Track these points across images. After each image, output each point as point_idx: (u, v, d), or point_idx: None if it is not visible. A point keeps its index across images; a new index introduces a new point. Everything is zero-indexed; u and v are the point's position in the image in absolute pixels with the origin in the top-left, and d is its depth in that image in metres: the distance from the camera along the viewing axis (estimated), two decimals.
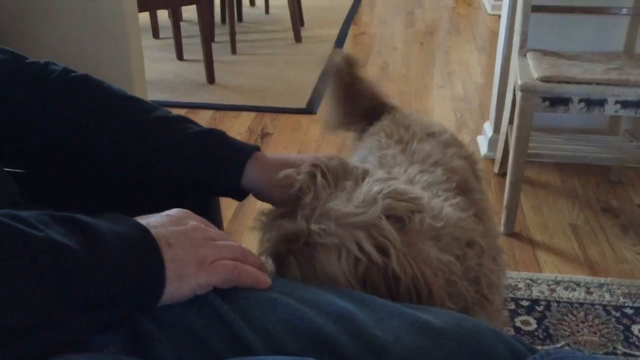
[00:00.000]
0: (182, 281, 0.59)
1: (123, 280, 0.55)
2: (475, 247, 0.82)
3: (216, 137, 0.84)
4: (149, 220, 0.61)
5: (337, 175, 0.76)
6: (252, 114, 2.77)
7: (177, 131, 0.82)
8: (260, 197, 0.84)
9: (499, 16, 4.06)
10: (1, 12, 2.39)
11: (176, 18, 3.37)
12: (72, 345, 0.53)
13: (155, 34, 3.75)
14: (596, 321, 1.57)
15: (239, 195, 0.85)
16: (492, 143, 2.38)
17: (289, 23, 3.75)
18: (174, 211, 0.65)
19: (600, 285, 1.69)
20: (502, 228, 1.92)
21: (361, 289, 0.70)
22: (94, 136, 0.81)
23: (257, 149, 0.85)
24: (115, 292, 0.54)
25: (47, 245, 0.51)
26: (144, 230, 0.59)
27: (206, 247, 0.62)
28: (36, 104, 0.81)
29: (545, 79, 1.78)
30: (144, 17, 3.39)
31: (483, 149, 2.43)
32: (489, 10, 4.48)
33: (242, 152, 0.83)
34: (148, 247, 0.58)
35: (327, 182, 0.74)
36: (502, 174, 2.21)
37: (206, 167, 0.82)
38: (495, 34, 3.90)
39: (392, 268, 0.69)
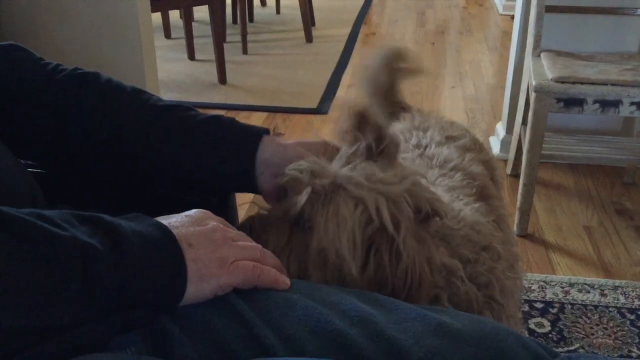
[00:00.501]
0: (203, 281, 0.59)
1: (145, 280, 0.55)
2: (491, 252, 0.82)
3: (226, 121, 0.84)
4: (170, 221, 0.62)
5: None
6: (264, 114, 2.78)
7: (186, 118, 0.82)
8: (272, 181, 0.82)
9: (511, 16, 4.06)
10: (16, 13, 2.41)
11: (188, 18, 3.38)
12: (95, 346, 0.53)
13: (167, 34, 3.77)
14: (611, 324, 1.56)
15: (253, 178, 0.82)
16: (505, 144, 2.36)
17: (300, 23, 3.75)
18: (193, 212, 0.65)
19: (615, 288, 1.68)
20: (515, 229, 1.91)
21: (362, 251, 0.71)
22: (119, 133, 0.81)
23: (267, 131, 0.85)
24: (138, 292, 0.55)
25: (72, 245, 0.51)
26: (166, 231, 0.59)
27: (226, 248, 0.63)
28: (49, 101, 0.81)
29: (560, 80, 1.77)
30: (156, 17, 3.40)
31: (495, 149, 2.42)
32: (501, 11, 4.46)
33: (256, 129, 0.84)
34: (170, 248, 0.58)
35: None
36: (515, 175, 2.20)
37: (220, 149, 0.82)
38: (507, 34, 3.89)
39: (398, 243, 0.70)
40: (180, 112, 0.83)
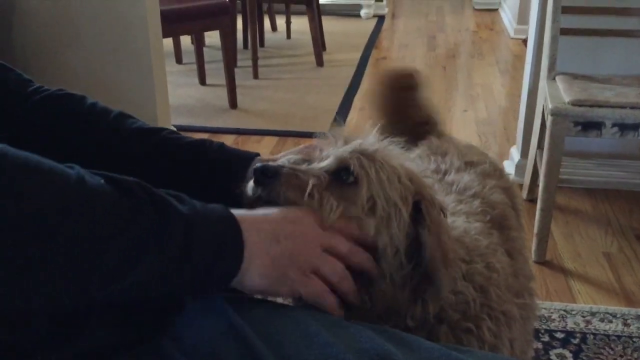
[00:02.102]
0: (279, 279, 0.61)
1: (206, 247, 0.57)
2: (485, 261, 0.81)
3: (214, 145, 0.83)
4: (264, 212, 0.64)
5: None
6: (275, 139, 2.76)
7: (172, 140, 0.81)
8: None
9: (522, 40, 4.05)
10: (30, 39, 2.42)
11: (199, 43, 3.40)
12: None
13: (179, 59, 3.78)
14: (635, 355, 1.50)
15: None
16: (520, 168, 2.33)
17: (310, 47, 3.75)
18: (292, 210, 0.65)
19: (638, 317, 1.62)
20: (532, 256, 1.86)
21: (411, 204, 0.70)
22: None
23: (257, 155, 0.83)
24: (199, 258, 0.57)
25: (181, 215, 0.56)
26: (229, 215, 0.61)
27: (312, 255, 0.63)
28: (24, 121, 0.80)
29: (577, 103, 1.73)
30: (167, 42, 3.42)
31: (510, 174, 2.38)
32: (512, 34, 4.46)
33: (246, 154, 0.82)
34: (227, 224, 0.60)
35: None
36: (531, 199, 2.16)
37: (208, 173, 0.80)
38: (518, 58, 3.88)
39: (441, 209, 0.72)
40: (166, 134, 0.81)
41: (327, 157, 0.71)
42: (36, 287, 0.49)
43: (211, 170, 0.79)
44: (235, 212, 0.62)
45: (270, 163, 0.69)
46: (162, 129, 0.82)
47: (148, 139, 0.80)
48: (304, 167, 0.70)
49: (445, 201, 0.79)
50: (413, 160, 1.02)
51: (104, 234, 0.52)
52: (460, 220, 0.86)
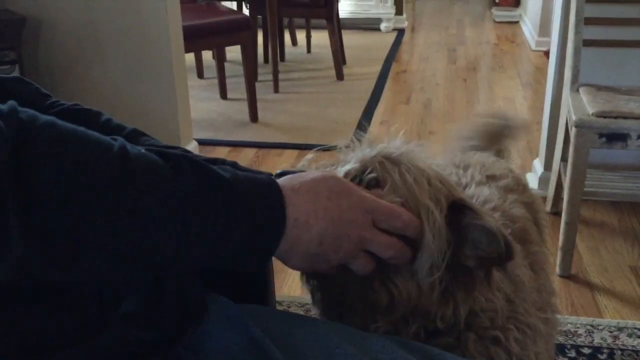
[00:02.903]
0: (324, 249, 0.61)
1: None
2: (512, 274, 0.79)
3: (227, 164, 0.81)
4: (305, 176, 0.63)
5: None
6: (295, 152, 2.76)
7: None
8: None
9: (544, 52, 4.02)
10: (55, 55, 2.47)
11: (220, 58, 3.43)
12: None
13: (200, 74, 3.82)
14: None
15: None
16: (543, 181, 2.30)
17: (330, 61, 3.77)
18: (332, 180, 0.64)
19: None
20: (557, 270, 1.84)
21: (445, 208, 0.68)
22: None
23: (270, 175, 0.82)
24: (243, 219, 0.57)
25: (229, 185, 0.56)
26: (272, 181, 0.61)
27: (364, 231, 0.62)
28: None
29: (602, 114, 1.71)
30: (189, 57, 3.46)
31: (533, 186, 2.35)
32: (533, 47, 4.43)
33: (258, 173, 0.82)
34: (271, 192, 0.60)
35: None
36: (555, 212, 2.13)
37: None
38: (540, 70, 3.85)
39: (479, 212, 0.69)
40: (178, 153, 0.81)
41: (349, 160, 0.70)
42: (91, 257, 0.51)
43: None
44: (284, 181, 0.62)
45: (290, 169, 0.69)
46: (174, 148, 0.82)
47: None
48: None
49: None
50: (439, 165, 1.01)
51: (148, 202, 0.52)
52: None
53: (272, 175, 0.66)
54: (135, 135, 0.82)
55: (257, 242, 0.57)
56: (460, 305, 0.68)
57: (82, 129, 0.53)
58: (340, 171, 0.69)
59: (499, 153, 1.32)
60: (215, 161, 0.81)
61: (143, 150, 0.55)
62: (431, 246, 0.65)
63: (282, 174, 0.67)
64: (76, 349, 0.54)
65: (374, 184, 0.67)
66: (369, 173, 0.68)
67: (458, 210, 0.68)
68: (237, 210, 0.56)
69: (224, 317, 0.60)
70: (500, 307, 0.72)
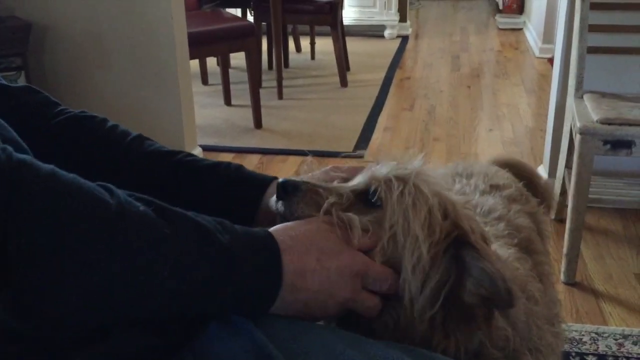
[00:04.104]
0: (314, 308, 0.62)
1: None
2: (526, 292, 0.77)
3: (232, 167, 0.82)
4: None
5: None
6: (299, 158, 2.76)
7: (190, 163, 0.81)
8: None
9: (548, 59, 4.02)
10: (61, 62, 2.48)
11: (225, 65, 3.44)
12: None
13: (205, 81, 3.83)
14: None
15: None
16: None
17: (334, 68, 3.77)
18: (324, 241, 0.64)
19: None
20: (562, 277, 1.83)
21: (439, 239, 0.65)
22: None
23: (275, 179, 0.82)
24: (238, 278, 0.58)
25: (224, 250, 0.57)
26: (271, 245, 0.61)
27: (351, 294, 0.63)
28: (46, 142, 0.80)
29: (606, 121, 1.71)
30: (194, 64, 3.47)
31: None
32: (537, 54, 4.43)
33: (262, 177, 0.81)
34: (267, 244, 0.61)
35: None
36: (560, 219, 2.12)
37: (223, 196, 0.79)
38: (544, 77, 3.85)
39: (479, 248, 0.66)
40: (182, 157, 0.81)
41: (360, 175, 0.70)
42: (76, 311, 0.52)
43: (226, 193, 0.79)
44: (278, 235, 0.62)
45: (293, 178, 0.68)
46: (179, 152, 0.82)
47: (164, 161, 0.80)
48: (330, 185, 0.69)
49: (487, 231, 0.74)
50: (455, 191, 1.00)
51: (144, 264, 0.53)
52: (494, 246, 0.81)
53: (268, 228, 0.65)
54: (140, 141, 0.82)
55: (248, 307, 0.60)
56: (461, 340, 0.65)
57: (80, 182, 0.54)
58: (346, 186, 0.68)
59: None
60: (219, 164, 0.82)
61: (142, 208, 0.55)
62: (409, 278, 0.64)
63: (285, 183, 0.67)
64: (80, 355, 0.54)
65: (379, 205, 0.66)
66: (374, 192, 0.66)
67: (462, 246, 0.65)
68: (233, 280, 0.57)
69: (229, 323, 0.60)
70: (511, 335, 0.70)
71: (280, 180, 0.68)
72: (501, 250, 0.83)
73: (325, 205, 0.65)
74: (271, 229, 0.63)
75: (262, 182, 0.80)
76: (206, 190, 0.80)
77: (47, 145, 0.79)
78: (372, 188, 0.67)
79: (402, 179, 0.66)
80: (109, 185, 0.56)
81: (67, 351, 0.55)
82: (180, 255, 0.55)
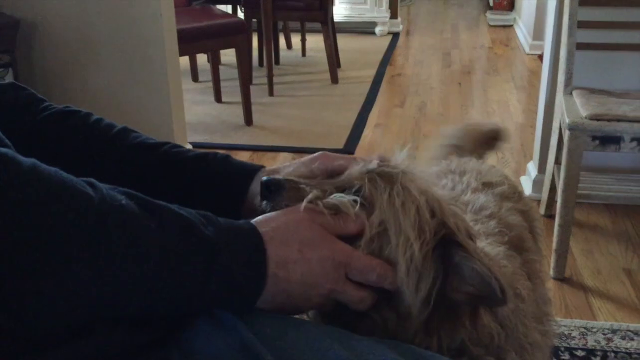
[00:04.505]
0: (298, 301, 0.62)
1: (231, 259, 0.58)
2: (513, 289, 0.76)
3: (219, 158, 0.81)
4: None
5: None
6: (290, 155, 2.76)
7: (175, 154, 0.80)
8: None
9: (538, 56, 4.03)
10: (50, 59, 2.46)
11: (215, 62, 3.43)
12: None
13: (195, 78, 3.82)
14: None
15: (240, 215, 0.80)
16: (537, 183, 2.30)
17: (325, 65, 3.77)
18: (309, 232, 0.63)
19: None
20: (551, 272, 1.84)
21: (429, 239, 0.65)
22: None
23: (261, 167, 0.81)
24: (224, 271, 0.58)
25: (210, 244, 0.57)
26: (255, 238, 0.61)
27: (335, 285, 0.63)
28: (33, 138, 0.80)
29: (595, 117, 1.72)
30: (184, 60, 3.46)
31: (527, 189, 2.36)
32: (527, 50, 4.44)
33: (250, 166, 0.80)
34: (250, 237, 0.60)
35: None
36: (549, 215, 2.14)
37: (209, 188, 0.79)
38: (534, 73, 3.86)
39: (467, 248, 0.66)
40: (167, 148, 0.80)
41: (345, 173, 0.69)
42: (52, 303, 0.51)
43: (212, 183, 0.79)
44: (261, 227, 0.62)
45: (276, 177, 0.68)
46: (165, 143, 0.81)
47: (150, 153, 0.80)
48: (314, 181, 0.68)
49: (473, 228, 0.73)
50: (442, 187, 1.00)
51: (128, 260, 0.53)
52: (482, 244, 0.81)
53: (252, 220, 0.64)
54: (125, 133, 0.81)
55: (234, 301, 0.59)
56: (444, 338, 0.65)
57: (62, 176, 0.53)
58: (330, 182, 0.67)
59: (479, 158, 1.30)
60: (206, 155, 0.81)
61: (124, 202, 0.54)
62: (404, 279, 0.63)
63: (268, 182, 0.66)
64: (60, 352, 0.54)
65: (362, 202, 0.65)
66: (356, 191, 0.65)
67: (450, 245, 0.65)
68: (218, 275, 0.57)
69: (214, 319, 0.60)
70: (496, 333, 0.69)
71: (263, 179, 0.67)
72: (490, 248, 0.83)
73: (308, 197, 0.65)
74: (253, 221, 0.63)
75: (249, 171, 0.79)
76: (193, 180, 0.79)
77: (33, 141, 0.79)
78: (356, 186, 0.66)
79: (388, 178, 0.66)
80: (91, 179, 0.55)
81: (50, 347, 0.54)
82: (165, 250, 0.54)
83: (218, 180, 0.78)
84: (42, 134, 0.79)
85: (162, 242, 0.54)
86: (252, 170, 0.79)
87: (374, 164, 0.68)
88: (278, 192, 0.66)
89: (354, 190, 0.66)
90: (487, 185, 1.03)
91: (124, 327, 0.59)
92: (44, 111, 0.81)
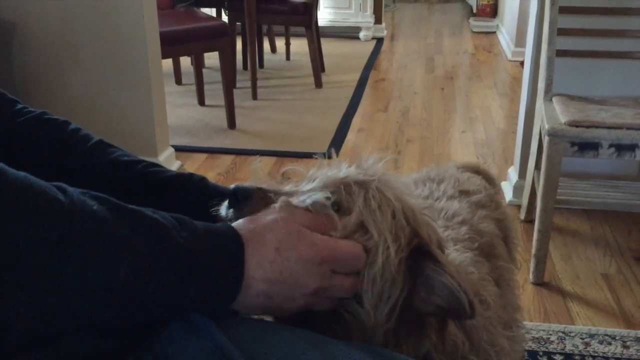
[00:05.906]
0: (278, 302, 0.61)
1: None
2: (478, 296, 0.77)
3: (195, 180, 0.80)
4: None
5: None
6: (273, 159, 2.76)
7: (150, 174, 0.78)
8: None
9: (520, 62, 4.07)
10: (30, 61, 2.43)
11: (198, 65, 3.42)
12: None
13: (178, 80, 3.80)
14: None
15: None
16: (518, 189, 2.32)
17: (309, 69, 3.78)
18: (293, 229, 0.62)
19: (638, 339, 1.60)
20: (530, 277, 1.85)
21: (404, 244, 0.65)
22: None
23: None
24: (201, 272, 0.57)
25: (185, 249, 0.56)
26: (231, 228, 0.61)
27: (320, 282, 0.62)
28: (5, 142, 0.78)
29: (574, 124, 1.74)
30: (167, 63, 3.44)
31: (508, 195, 2.38)
32: (509, 57, 4.49)
33: (223, 189, 0.79)
34: (230, 240, 0.60)
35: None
36: (529, 220, 2.15)
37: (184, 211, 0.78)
38: (516, 80, 3.90)
39: (439, 259, 0.65)
40: (141, 168, 0.79)
41: (315, 179, 0.67)
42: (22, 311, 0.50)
43: (186, 206, 0.75)
44: (240, 229, 0.61)
45: (245, 184, 0.66)
46: (139, 162, 0.79)
47: (123, 173, 0.78)
48: (284, 189, 0.67)
49: (443, 237, 0.73)
50: (415, 195, 1.00)
51: (98, 268, 0.51)
52: (449, 250, 0.81)
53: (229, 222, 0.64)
54: (102, 147, 0.79)
55: (210, 305, 0.59)
56: (411, 347, 0.65)
57: (30, 180, 0.51)
58: (301, 190, 0.66)
59: None
60: (182, 176, 0.80)
61: (96, 207, 0.53)
62: (377, 278, 0.63)
63: (236, 190, 0.65)
64: (30, 358, 0.53)
65: (336, 209, 0.64)
66: (329, 196, 0.64)
67: (421, 256, 0.65)
68: (193, 281, 0.56)
69: (188, 323, 0.59)
70: (461, 342, 0.70)
71: (232, 186, 0.66)
72: (457, 254, 0.83)
73: (282, 197, 0.64)
74: (233, 224, 0.62)
75: (225, 195, 0.78)
76: (167, 204, 0.77)
77: (5, 145, 0.77)
78: (330, 192, 0.65)
79: (363, 184, 0.65)
80: (62, 184, 0.54)
81: (19, 353, 0.53)
82: (137, 258, 0.53)
83: (194, 203, 0.76)
84: (15, 140, 0.77)
85: (135, 250, 0.53)
86: (227, 195, 0.78)
87: (347, 170, 0.67)
88: (245, 201, 0.65)
89: (327, 196, 0.65)
90: (464, 193, 1.03)
91: (95, 332, 0.58)
92: (18, 116, 0.79)
